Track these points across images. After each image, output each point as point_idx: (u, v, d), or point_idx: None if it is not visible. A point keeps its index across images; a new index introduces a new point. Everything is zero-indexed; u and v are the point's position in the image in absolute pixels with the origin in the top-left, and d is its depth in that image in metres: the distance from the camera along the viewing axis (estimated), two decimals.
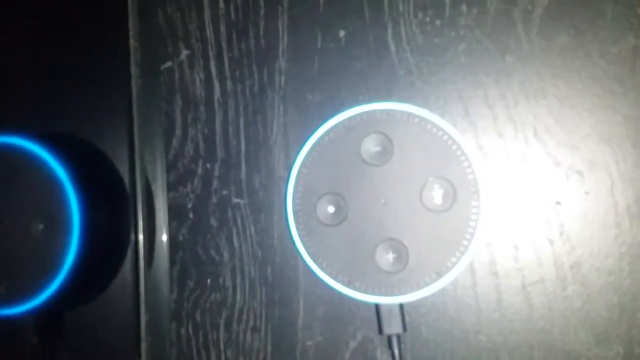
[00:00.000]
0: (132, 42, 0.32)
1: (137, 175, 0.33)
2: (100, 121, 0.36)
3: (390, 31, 0.37)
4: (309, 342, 0.37)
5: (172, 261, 0.38)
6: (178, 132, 0.39)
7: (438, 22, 0.36)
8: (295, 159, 0.35)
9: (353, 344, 0.37)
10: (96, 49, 0.36)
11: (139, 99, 0.34)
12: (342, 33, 0.37)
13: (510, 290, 0.35)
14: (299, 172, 0.35)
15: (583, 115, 0.35)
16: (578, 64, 0.35)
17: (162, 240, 0.38)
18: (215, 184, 0.38)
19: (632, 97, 0.34)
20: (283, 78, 0.38)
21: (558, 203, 0.35)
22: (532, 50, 0.35)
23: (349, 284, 0.34)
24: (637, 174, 0.34)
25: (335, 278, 0.34)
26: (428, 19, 0.36)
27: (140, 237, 0.34)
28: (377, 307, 0.35)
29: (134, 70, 0.32)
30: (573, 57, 0.35)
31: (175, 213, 0.39)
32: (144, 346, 0.33)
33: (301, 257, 0.35)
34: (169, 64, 0.39)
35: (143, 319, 0.33)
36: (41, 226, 0.36)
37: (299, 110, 0.38)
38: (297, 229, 0.35)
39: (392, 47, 0.37)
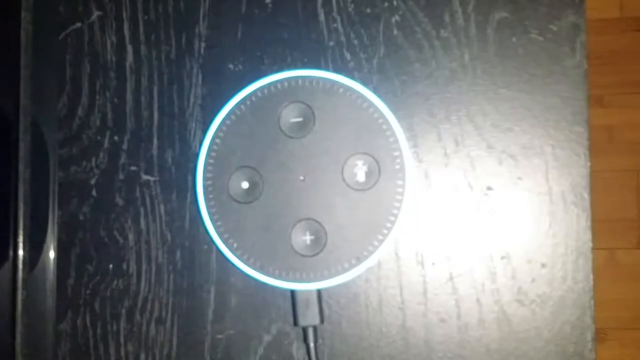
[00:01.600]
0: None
1: (20, 145, 0.29)
2: None
3: None
4: (219, 336, 0.34)
5: (71, 243, 0.35)
6: (84, 100, 0.35)
7: None
8: (208, 129, 0.32)
9: (267, 338, 0.33)
10: None
11: (28, 62, 0.30)
12: None
13: (436, 280, 0.32)
14: (212, 143, 0.31)
15: (519, 96, 0.33)
16: (515, 42, 0.33)
17: (52, 220, 0.34)
18: (123, 158, 0.35)
19: (571, 78, 0.32)
20: (203, 45, 0.35)
21: (489, 189, 0.33)
22: (467, 25, 0.33)
23: (261, 269, 0.31)
24: (573, 159, 0.32)
25: (246, 262, 0.31)
26: None
27: (21, 214, 0.30)
28: (292, 294, 0.32)
29: (25, 27, 0.28)
30: (510, 33, 0.33)
31: (77, 190, 0.35)
32: (19, 331, 0.29)
33: (210, 237, 0.32)
34: (78, 24, 0.36)
35: (19, 303, 0.29)
36: None
37: (218, 80, 0.35)
38: (207, 206, 0.31)
39: (322, 16, 0.34)
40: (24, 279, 0.28)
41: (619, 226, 1.00)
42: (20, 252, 0.28)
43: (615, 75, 1.06)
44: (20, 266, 0.28)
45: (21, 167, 0.28)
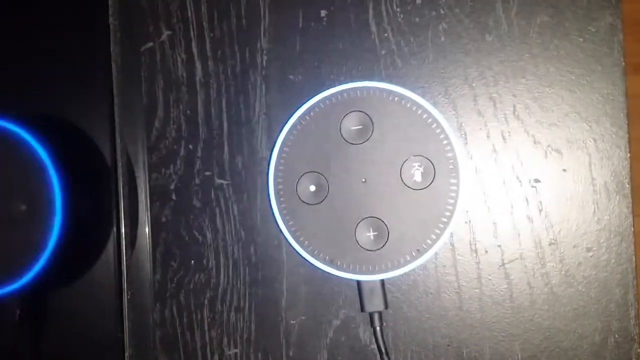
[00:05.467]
0: (112, 20, 0.32)
1: (118, 156, 0.33)
2: (81, 102, 0.36)
3: (371, 11, 0.37)
4: (292, 321, 0.37)
5: (156, 242, 0.38)
6: (160, 113, 0.39)
7: (419, 1, 0.36)
8: (276, 138, 0.35)
9: (336, 322, 0.37)
10: (76, 28, 0.36)
11: (119, 79, 0.34)
12: (323, 12, 0.37)
13: (490, 267, 0.36)
14: (280, 151, 0.35)
15: (561, 94, 0.35)
16: (556, 43, 0.35)
17: (144, 222, 0.38)
18: (198, 165, 0.38)
19: (610, 76, 0.35)
20: (265, 58, 0.38)
21: (537, 181, 0.35)
22: (511, 29, 0.36)
23: (330, 262, 0.34)
24: (614, 151, 0.35)
25: (316, 257, 0.34)
26: None
27: (122, 218, 0.34)
28: (358, 284, 0.35)
29: (113, 49, 0.32)
30: (551, 36, 0.35)
31: (158, 194, 0.39)
32: (126, 326, 0.33)
33: (283, 236, 0.35)
34: (150, 44, 0.39)
35: (125, 299, 0.33)
36: (23, 207, 0.36)
37: (280, 90, 0.38)
38: (279, 209, 0.35)
39: (373, 27, 0.37)
40: (128, 281, 0.32)
41: None
42: (124, 257, 0.32)
43: None
44: (124, 266, 0.32)
45: (120, 186, 0.32)
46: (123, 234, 0.33)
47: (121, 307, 0.32)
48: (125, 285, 0.31)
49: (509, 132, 0.35)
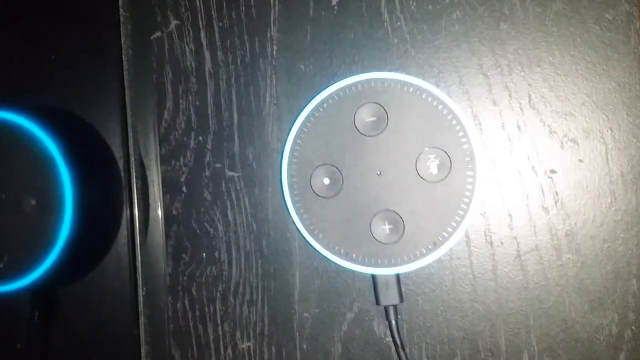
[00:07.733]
0: (122, 12, 0.31)
1: (130, 149, 0.32)
2: (91, 95, 0.36)
3: None
4: (305, 314, 0.37)
5: (167, 235, 0.38)
6: (169, 104, 0.38)
7: None
8: (289, 131, 0.35)
9: (350, 316, 0.37)
10: (86, 21, 0.35)
11: (130, 71, 0.33)
12: (334, 1, 0.37)
13: (505, 259, 0.35)
14: (294, 143, 0.34)
15: (578, 83, 0.35)
16: (572, 31, 0.35)
17: (156, 214, 0.37)
18: (208, 156, 0.38)
19: (627, 64, 0.34)
20: (275, 48, 0.37)
21: (553, 171, 0.35)
22: (526, 17, 0.35)
23: (345, 256, 0.34)
24: (631, 141, 0.34)
25: (331, 250, 0.34)
26: None
27: (136, 211, 0.33)
28: (373, 278, 0.35)
29: (124, 41, 0.31)
30: (567, 23, 0.35)
31: (169, 187, 0.38)
32: (142, 320, 0.32)
33: (297, 229, 0.35)
34: (158, 34, 0.38)
35: (140, 293, 0.32)
36: (33, 202, 0.36)
37: (291, 80, 0.37)
38: (293, 202, 0.34)
39: (386, 15, 0.36)
40: (142, 274, 0.32)
41: None
42: (138, 251, 0.32)
43: None
44: (139, 260, 0.32)
45: (133, 179, 0.32)
46: (137, 228, 0.33)
47: (136, 302, 0.32)
48: (140, 282, 0.31)
49: (525, 122, 0.35)
